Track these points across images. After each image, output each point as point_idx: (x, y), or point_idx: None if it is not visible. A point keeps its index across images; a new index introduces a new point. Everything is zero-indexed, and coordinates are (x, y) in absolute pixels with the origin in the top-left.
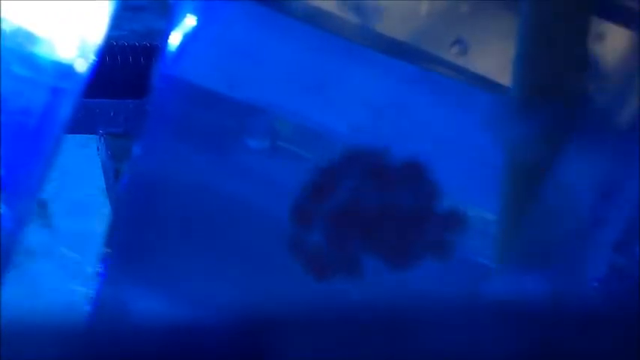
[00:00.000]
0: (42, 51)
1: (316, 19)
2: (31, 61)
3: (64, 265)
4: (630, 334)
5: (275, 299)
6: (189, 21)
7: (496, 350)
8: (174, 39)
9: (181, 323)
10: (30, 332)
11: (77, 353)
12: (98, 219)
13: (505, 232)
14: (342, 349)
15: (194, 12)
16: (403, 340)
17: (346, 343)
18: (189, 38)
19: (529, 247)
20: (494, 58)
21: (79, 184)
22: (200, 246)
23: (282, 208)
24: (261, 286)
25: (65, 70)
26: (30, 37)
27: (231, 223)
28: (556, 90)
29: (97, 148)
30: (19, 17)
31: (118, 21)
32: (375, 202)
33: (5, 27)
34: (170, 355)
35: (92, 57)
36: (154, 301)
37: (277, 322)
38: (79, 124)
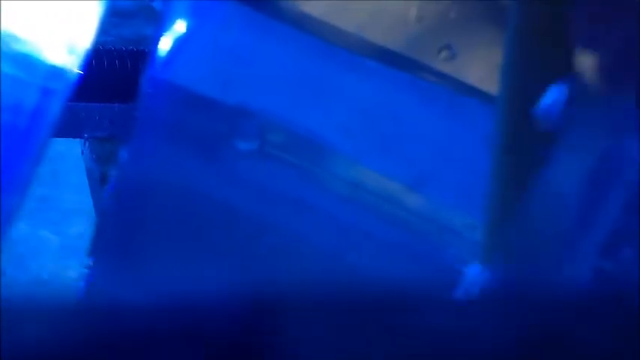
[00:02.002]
0: (32, 52)
1: (307, 25)
2: (21, 61)
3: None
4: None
5: (263, 302)
6: (180, 25)
7: (490, 337)
8: (165, 43)
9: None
10: (22, 313)
11: (69, 336)
12: (83, 223)
13: (491, 236)
14: (341, 336)
15: (185, 16)
16: (403, 323)
17: (345, 331)
18: (179, 42)
19: (515, 251)
20: (482, 65)
21: (65, 187)
22: (189, 251)
23: (271, 214)
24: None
25: (55, 71)
26: (21, 39)
27: (221, 228)
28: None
29: (82, 151)
30: (9, 19)
31: (105, 26)
32: None
33: None
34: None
35: (81, 59)
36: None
37: (267, 326)
38: (65, 128)
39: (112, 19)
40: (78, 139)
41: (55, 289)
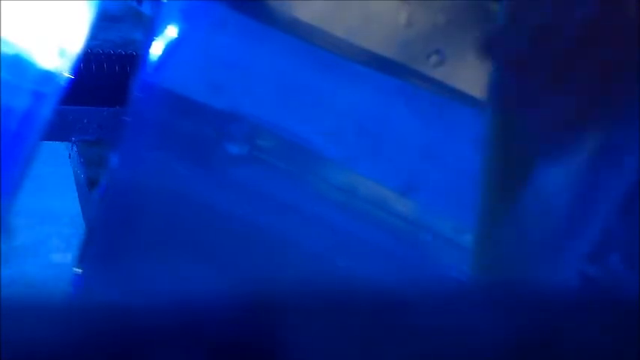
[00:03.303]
0: (23, 56)
1: (297, 31)
2: (12, 65)
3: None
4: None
5: (254, 304)
6: (171, 30)
7: (479, 338)
8: (155, 47)
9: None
10: (14, 314)
11: (63, 335)
12: (72, 226)
13: (481, 242)
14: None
15: (175, 21)
16: (394, 324)
17: (345, 329)
18: (170, 47)
19: (504, 257)
20: (471, 71)
21: (51, 190)
22: (180, 254)
23: (260, 218)
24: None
25: (46, 75)
26: (12, 43)
27: (210, 231)
28: (532, 104)
29: (70, 155)
30: (3, 27)
31: (92, 30)
32: None
33: None
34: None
35: (72, 63)
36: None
37: (258, 328)
38: (52, 131)
39: (98, 22)
40: (66, 143)
41: (46, 291)
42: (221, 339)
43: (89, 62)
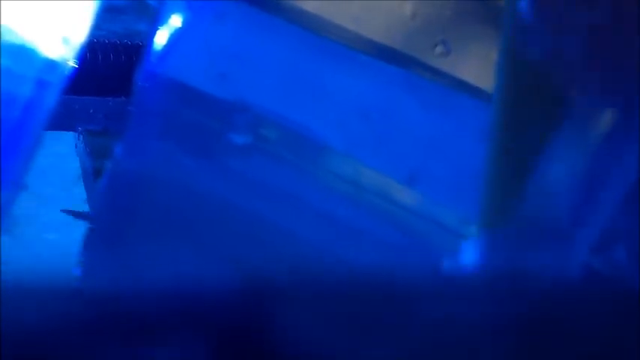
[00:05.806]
0: (28, 45)
1: (302, 21)
2: (16, 53)
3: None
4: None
5: (254, 290)
6: (175, 20)
7: (479, 324)
8: (160, 38)
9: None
10: (18, 298)
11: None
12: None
13: (485, 233)
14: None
15: (180, 11)
16: (400, 308)
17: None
18: (174, 37)
19: (508, 248)
20: (477, 62)
21: (57, 179)
22: (182, 244)
23: (263, 207)
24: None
25: (50, 64)
26: (16, 32)
27: (213, 221)
28: (538, 93)
29: (75, 145)
30: (5, 12)
31: (97, 21)
32: None
33: None
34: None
35: (76, 52)
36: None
37: (258, 314)
38: (58, 121)
39: (103, 14)
40: (71, 132)
41: (49, 277)
42: (222, 325)
43: (95, 52)
